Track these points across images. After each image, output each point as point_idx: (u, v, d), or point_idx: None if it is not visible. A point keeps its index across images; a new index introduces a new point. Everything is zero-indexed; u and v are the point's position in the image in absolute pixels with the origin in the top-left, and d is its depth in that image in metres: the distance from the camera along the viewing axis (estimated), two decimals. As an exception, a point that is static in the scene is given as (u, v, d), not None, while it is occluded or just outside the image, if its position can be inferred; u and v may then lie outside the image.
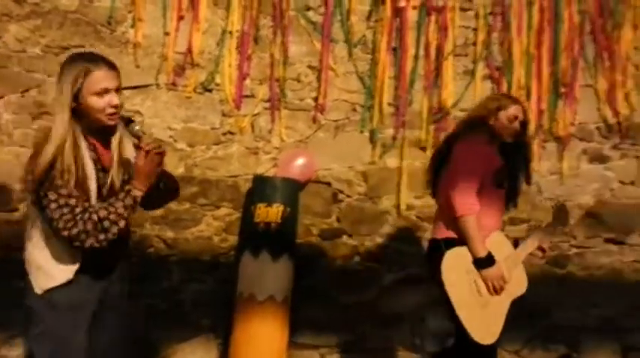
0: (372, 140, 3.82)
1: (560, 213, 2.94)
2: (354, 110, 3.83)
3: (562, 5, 3.91)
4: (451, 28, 3.84)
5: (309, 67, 3.78)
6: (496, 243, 2.75)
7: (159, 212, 3.42)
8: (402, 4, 3.78)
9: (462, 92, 3.87)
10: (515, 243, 2.85)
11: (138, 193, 2.03)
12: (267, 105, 3.74)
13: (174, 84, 3.63)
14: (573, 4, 3.94)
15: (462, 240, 2.70)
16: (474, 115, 2.91)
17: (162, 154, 2.05)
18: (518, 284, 2.77)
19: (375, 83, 3.80)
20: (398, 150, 3.83)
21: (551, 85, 3.92)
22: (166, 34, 3.60)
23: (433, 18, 3.82)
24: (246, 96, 3.72)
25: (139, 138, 2.07)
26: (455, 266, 2.69)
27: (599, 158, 4.02)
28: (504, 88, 3.87)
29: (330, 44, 3.76)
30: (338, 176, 3.80)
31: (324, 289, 3.75)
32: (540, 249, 2.85)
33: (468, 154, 2.74)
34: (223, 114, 3.71)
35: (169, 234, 3.64)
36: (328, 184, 3.79)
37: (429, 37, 3.83)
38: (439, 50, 3.84)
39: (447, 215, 2.76)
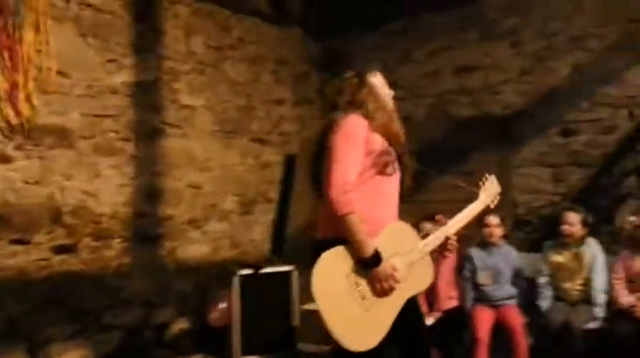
0: None
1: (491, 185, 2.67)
2: None
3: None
4: None
5: None
6: (394, 235, 2.31)
7: None
8: None
9: None
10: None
11: None
12: None
13: None
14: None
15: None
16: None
17: None
18: (419, 280, 2.36)
19: None
20: None
21: None
22: None
23: None
24: None
25: None
26: (329, 271, 2.20)
27: (3, 158, 3.96)
28: None
29: None
30: None
31: None
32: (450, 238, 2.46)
33: (340, 141, 2.30)
34: None
35: None
36: None
37: None
38: None
39: (330, 213, 2.27)
